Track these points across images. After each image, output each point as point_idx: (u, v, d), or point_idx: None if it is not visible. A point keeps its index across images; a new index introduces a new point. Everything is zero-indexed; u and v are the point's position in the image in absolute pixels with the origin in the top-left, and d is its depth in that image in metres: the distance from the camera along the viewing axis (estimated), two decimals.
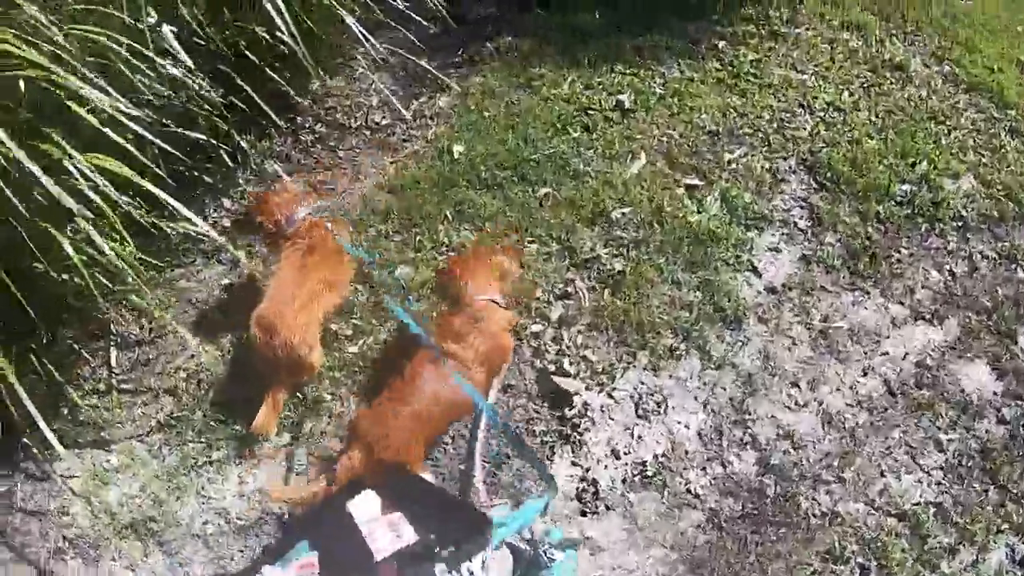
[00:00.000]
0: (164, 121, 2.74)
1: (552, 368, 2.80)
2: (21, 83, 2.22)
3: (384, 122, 3.75)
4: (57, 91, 2.27)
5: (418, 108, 3.82)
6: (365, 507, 2.35)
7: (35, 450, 2.48)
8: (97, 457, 2.85)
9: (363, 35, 3.24)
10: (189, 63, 2.68)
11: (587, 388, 2.77)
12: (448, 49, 4.10)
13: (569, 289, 3.01)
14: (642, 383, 2.82)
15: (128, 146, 2.39)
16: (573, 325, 2.92)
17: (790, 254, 3.18)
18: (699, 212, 3.24)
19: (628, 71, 3.91)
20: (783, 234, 3.24)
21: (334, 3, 3.17)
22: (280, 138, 3.62)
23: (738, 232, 3.19)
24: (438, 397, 2.47)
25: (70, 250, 2.33)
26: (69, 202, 2.20)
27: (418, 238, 3.20)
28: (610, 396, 2.77)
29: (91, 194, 2.28)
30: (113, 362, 2.98)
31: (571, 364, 2.80)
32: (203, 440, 2.82)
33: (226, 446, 2.80)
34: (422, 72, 3.83)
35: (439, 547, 2.15)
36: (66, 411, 2.89)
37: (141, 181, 2.39)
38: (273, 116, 3.25)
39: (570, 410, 2.73)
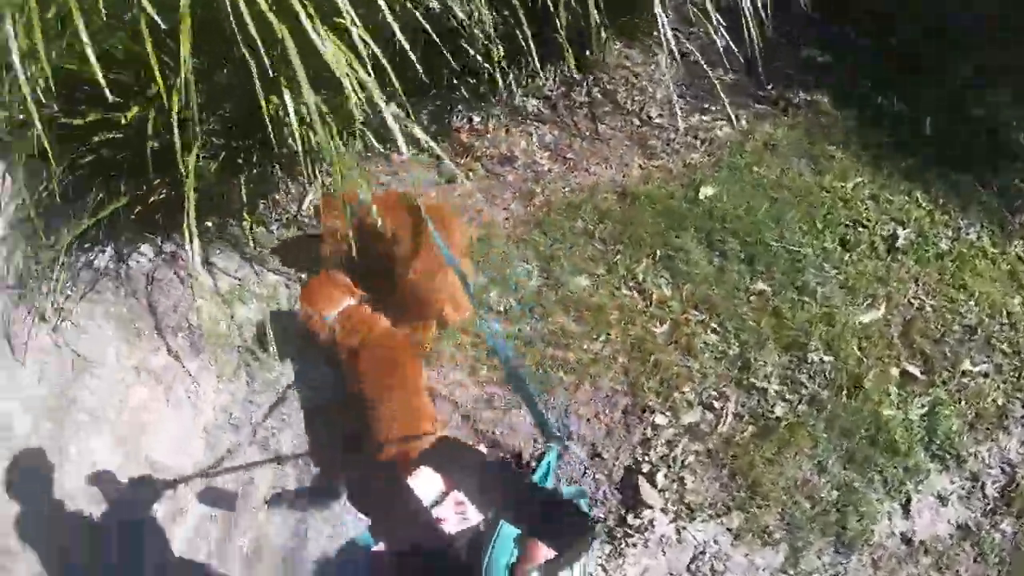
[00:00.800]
0: (433, 27, 2.50)
1: (646, 470, 2.44)
2: None
3: (657, 120, 3.28)
4: None
5: (695, 124, 3.29)
6: (426, 486, 2.18)
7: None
8: (249, 275, 2.85)
9: (665, 24, 2.77)
10: None
11: (663, 510, 2.40)
12: (758, 77, 3.46)
13: (717, 404, 2.57)
14: (715, 542, 2.39)
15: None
16: (696, 441, 2.51)
17: (955, 514, 2.52)
18: (897, 408, 2.62)
19: (924, 203, 3.15)
20: (963, 489, 2.56)
21: None
22: (553, 83, 3.26)
23: (920, 456, 2.55)
24: None
25: (291, 109, 2.25)
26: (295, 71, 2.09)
27: (616, 258, 2.83)
28: (678, 533, 2.39)
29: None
30: (305, 204, 2.92)
31: (665, 478, 2.42)
32: None
33: None
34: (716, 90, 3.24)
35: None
36: (247, 225, 2.88)
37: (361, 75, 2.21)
38: (535, 62, 2.85)
39: (635, 518, 2.38)
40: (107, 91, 2.02)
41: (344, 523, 2.46)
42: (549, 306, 2.70)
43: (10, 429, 2.82)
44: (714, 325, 2.72)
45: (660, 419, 2.54)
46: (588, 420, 2.54)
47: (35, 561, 2.70)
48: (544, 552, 1.63)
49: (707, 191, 3.02)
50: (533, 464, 2.43)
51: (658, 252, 2.84)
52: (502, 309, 2.69)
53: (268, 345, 2.66)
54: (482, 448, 2.46)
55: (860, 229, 3.06)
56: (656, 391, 2.58)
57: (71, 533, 2.69)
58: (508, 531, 1.92)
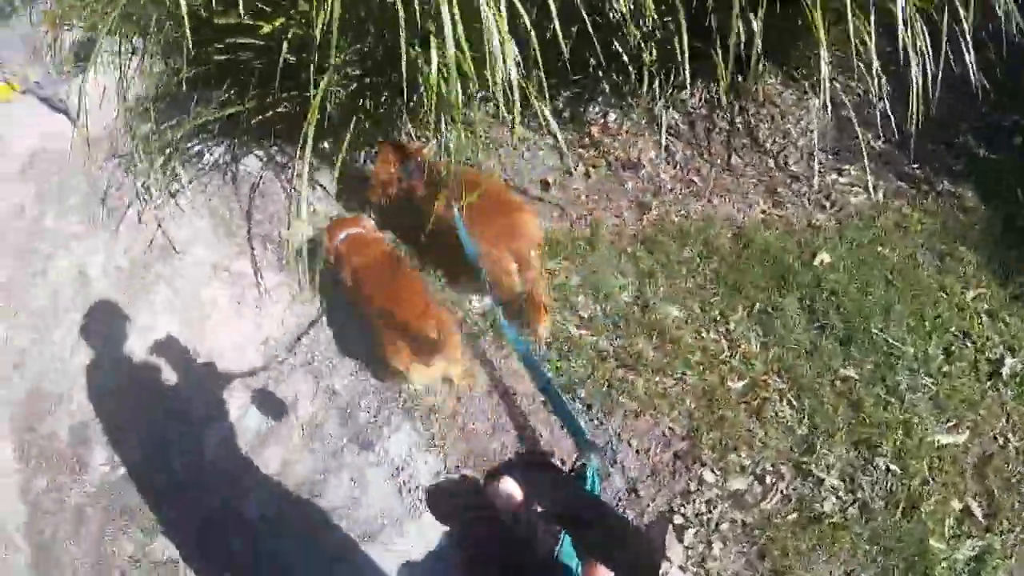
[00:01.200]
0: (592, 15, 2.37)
1: (678, 521, 2.29)
2: None
3: (792, 168, 3.02)
4: None
5: (830, 183, 3.01)
6: (507, 495, 2.10)
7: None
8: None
9: (826, 73, 2.51)
10: None
11: (681, 568, 2.24)
12: (907, 152, 3.11)
13: (769, 478, 2.38)
14: None
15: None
16: (736, 509, 2.33)
17: None
18: (947, 543, 2.39)
19: None
20: None
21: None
22: (697, 101, 3.02)
23: None
24: None
25: (435, 60, 2.20)
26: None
27: (713, 298, 2.63)
28: None
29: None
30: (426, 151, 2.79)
31: (695, 536, 2.26)
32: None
33: None
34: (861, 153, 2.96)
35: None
36: (361, 156, 2.79)
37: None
38: (687, 75, 2.62)
39: None
40: None
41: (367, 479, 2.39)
42: (633, 326, 2.53)
43: (89, 286, 2.82)
44: (791, 397, 2.51)
45: (708, 476, 2.37)
46: (637, 452, 2.39)
47: (86, 409, 2.72)
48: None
49: (824, 257, 2.78)
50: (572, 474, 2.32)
51: (757, 305, 2.63)
52: (586, 315, 2.54)
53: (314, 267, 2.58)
54: (555, 462, 2.35)
55: (967, 344, 2.78)
56: (713, 446, 2.41)
57: (121, 395, 2.70)
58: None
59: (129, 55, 2.92)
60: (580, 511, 1.73)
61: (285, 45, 2.37)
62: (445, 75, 2.31)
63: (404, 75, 2.26)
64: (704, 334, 2.55)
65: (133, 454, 2.64)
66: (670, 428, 2.42)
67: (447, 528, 2.03)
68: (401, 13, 2.25)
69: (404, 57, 2.23)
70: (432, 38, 2.34)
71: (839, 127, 3.15)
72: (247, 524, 2.40)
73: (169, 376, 2.66)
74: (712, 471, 2.38)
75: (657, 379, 2.47)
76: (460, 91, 2.35)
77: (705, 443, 2.41)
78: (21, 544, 2.82)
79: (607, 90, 2.96)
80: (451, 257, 2.49)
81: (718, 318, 2.59)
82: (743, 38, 2.57)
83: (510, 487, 1.82)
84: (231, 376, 2.59)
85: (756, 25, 2.52)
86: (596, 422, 2.39)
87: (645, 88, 2.85)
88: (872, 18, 2.56)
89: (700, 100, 3.07)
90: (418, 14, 2.19)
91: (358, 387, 2.49)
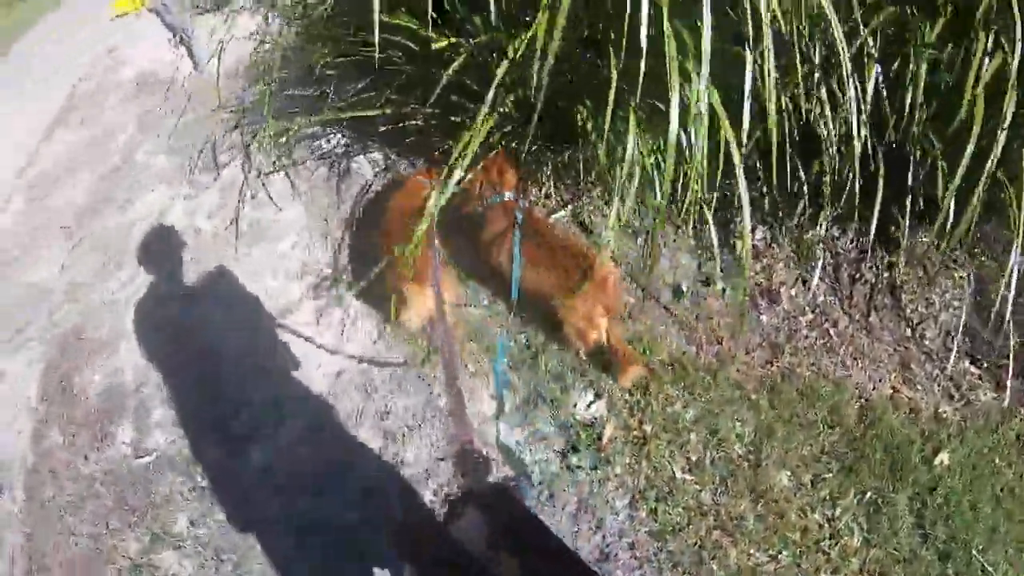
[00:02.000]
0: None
1: None
2: None
3: (927, 344, 2.60)
4: None
5: (961, 371, 2.60)
6: (471, 533, 1.70)
7: None
8: None
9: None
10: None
11: None
12: None
13: None
14: None
15: None
16: None
17: None
18: None
19: None
20: None
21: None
22: (849, 242, 2.61)
23: None
24: None
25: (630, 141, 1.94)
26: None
27: (827, 475, 2.23)
28: None
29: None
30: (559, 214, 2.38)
31: None
32: None
33: None
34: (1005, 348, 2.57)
35: None
36: None
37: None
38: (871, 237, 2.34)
39: None
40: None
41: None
42: (740, 485, 2.16)
43: (165, 239, 2.41)
44: None
45: None
46: None
47: (124, 372, 2.34)
48: None
49: (943, 458, 2.40)
50: None
51: (868, 495, 2.25)
52: (694, 459, 2.15)
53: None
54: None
55: None
56: None
57: (166, 365, 2.31)
58: None
59: (271, 11, 2.51)
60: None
61: (452, 66, 2.00)
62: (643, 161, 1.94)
63: (599, 145, 1.94)
64: (809, 513, 2.17)
65: (162, 439, 2.25)
66: None
67: (410, 568, 1.68)
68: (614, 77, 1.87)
69: (588, 125, 1.88)
70: (633, 115, 1.96)
71: (980, 307, 2.74)
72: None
73: (219, 375, 2.26)
74: None
75: (752, 551, 2.10)
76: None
77: None
78: (18, 492, 2.43)
79: (765, 206, 2.53)
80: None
81: (827, 498, 2.21)
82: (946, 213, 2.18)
83: (475, 523, 1.46)
84: (290, 395, 2.19)
85: (969, 215, 2.13)
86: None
87: (805, 213, 2.44)
88: None
89: (852, 242, 2.65)
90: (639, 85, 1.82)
91: (430, 464, 2.08)
